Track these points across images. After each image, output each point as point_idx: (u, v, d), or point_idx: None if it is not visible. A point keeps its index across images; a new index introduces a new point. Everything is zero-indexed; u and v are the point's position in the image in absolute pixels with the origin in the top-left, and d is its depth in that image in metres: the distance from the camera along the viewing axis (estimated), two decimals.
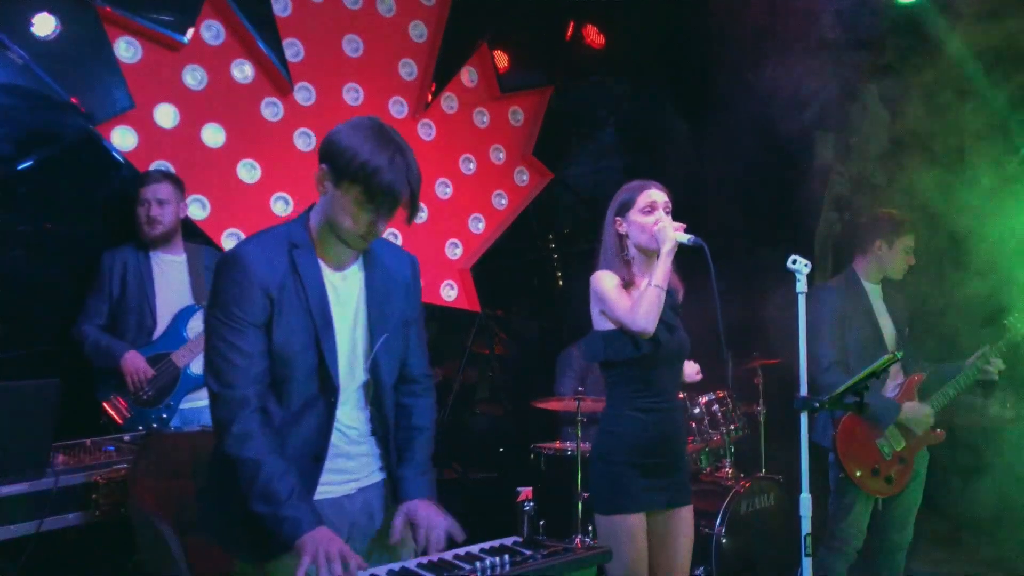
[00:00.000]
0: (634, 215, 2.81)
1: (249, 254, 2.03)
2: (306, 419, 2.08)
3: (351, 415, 2.17)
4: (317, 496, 2.09)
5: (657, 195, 2.81)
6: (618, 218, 2.85)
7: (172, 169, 3.98)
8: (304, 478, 2.03)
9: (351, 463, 2.18)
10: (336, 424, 2.13)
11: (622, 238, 2.85)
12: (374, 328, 2.16)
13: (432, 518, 2.11)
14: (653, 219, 2.77)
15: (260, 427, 1.99)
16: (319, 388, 2.09)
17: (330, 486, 2.13)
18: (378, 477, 2.25)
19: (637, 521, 2.75)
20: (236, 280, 2.01)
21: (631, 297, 2.75)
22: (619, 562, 2.73)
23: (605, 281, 2.79)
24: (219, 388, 2.00)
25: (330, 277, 2.12)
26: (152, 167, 3.96)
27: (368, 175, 1.97)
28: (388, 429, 2.24)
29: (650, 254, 2.80)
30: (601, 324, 2.83)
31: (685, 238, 2.69)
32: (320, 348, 2.06)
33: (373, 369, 2.17)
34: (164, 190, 3.64)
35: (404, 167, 2.00)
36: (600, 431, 2.88)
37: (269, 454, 1.97)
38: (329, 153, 2.03)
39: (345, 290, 2.14)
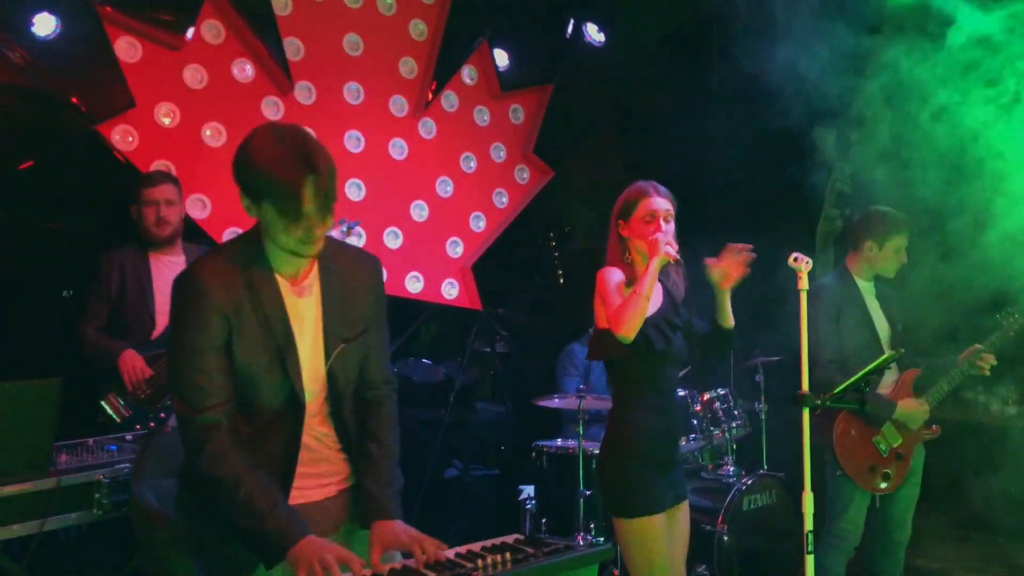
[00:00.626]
0: (635, 221, 2.83)
1: (204, 276, 1.99)
2: (273, 433, 2.06)
3: (324, 423, 2.15)
4: (297, 501, 2.07)
5: (659, 204, 2.82)
6: (620, 220, 2.87)
7: (173, 168, 3.99)
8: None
9: (331, 467, 2.16)
10: (309, 433, 2.11)
11: (623, 240, 2.86)
12: (328, 341, 2.11)
13: (415, 535, 2.07)
14: (651, 229, 2.79)
15: (232, 445, 1.97)
16: (285, 404, 2.06)
17: (309, 490, 2.12)
18: (353, 481, 2.22)
19: (659, 522, 2.75)
20: (192, 303, 1.98)
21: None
22: (644, 565, 2.73)
23: (608, 278, 2.80)
24: (186, 411, 1.98)
25: (288, 291, 2.07)
26: (153, 167, 3.97)
27: (270, 187, 1.92)
28: (351, 438, 2.20)
29: (647, 260, 2.81)
30: (602, 322, 2.83)
31: (675, 257, 2.73)
32: (284, 366, 2.03)
33: (329, 381, 2.12)
34: (171, 190, 3.64)
35: (299, 167, 1.89)
36: (609, 432, 2.87)
37: (246, 470, 1.96)
38: (235, 168, 1.99)
39: (303, 303, 2.09)
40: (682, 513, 2.88)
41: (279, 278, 2.06)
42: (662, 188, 2.87)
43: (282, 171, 1.90)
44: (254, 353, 2.00)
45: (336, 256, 2.14)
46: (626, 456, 2.79)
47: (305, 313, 2.09)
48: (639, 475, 2.75)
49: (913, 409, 3.62)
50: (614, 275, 2.81)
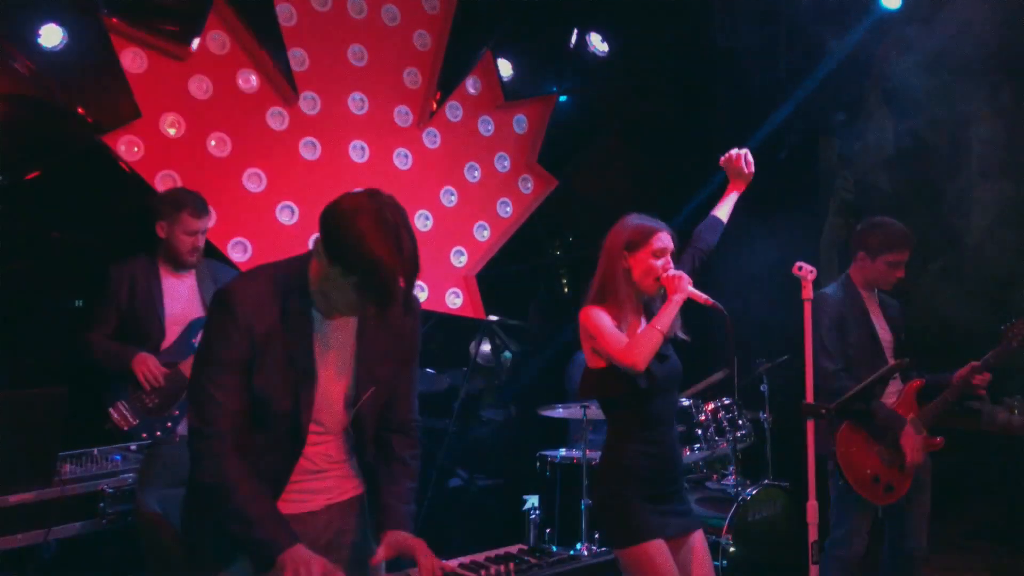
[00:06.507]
0: (643, 255, 2.80)
1: (239, 297, 2.03)
2: (277, 450, 2.10)
3: (338, 449, 2.19)
4: (286, 511, 2.09)
5: (668, 242, 2.82)
6: (625, 252, 2.83)
7: (178, 178, 4.01)
8: None
9: (321, 484, 2.19)
10: (317, 456, 2.15)
11: (626, 273, 2.83)
12: (360, 381, 2.15)
13: (423, 549, 2.11)
14: (662, 264, 2.79)
15: (232, 453, 2.01)
16: (288, 433, 2.09)
17: (295, 503, 2.14)
18: (352, 493, 2.25)
19: (657, 546, 2.71)
20: (222, 320, 2.02)
21: (624, 334, 2.76)
22: None
23: (597, 319, 2.78)
24: (198, 423, 2.03)
25: (321, 326, 2.10)
26: (158, 177, 3.99)
27: (364, 270, 1.91)
28: (364, 462, 2.24)
29: (649, 296, 2.82)
30: (594, 362, 2.82)
31: (700, 298, 2.73)
32: (297, 398, 2.07)
33: (356, 419, 2.17)
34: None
35: (400, 262, 1.91)
36: (604, 466, 2.84)
37: (242, 478, 1.99)
38: (328, 231, 1.96)
39: (336, 339, 2.13)
40: (696, 544, 2.82)
41: (315, 311, 2.09)
42: (669, 229, 2.86)
43: (384, 263, 1.89)
44: (271, 379, 2.04)
45: None
46: (617, 489, 2.77)
47: (336, 348, 2.13)
48: (630, 507, 2.73)
49: (914, 442, 3.56)
50: (602, 315, 2.79)
